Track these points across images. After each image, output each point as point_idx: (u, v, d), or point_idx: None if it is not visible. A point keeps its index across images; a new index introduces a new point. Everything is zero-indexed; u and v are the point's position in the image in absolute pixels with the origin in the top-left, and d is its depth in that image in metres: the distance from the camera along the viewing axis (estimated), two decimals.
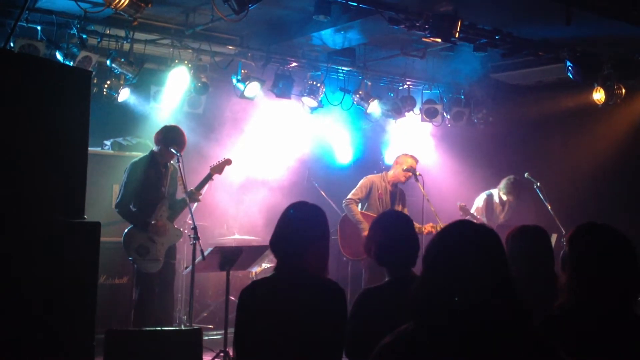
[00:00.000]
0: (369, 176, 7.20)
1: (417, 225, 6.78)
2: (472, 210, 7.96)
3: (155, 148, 6.25)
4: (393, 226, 3.29)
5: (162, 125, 7.39)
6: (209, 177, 6.39)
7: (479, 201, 8.05)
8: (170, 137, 6.15)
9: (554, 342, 1.98)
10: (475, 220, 7.43)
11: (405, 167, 7.07)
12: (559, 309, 2.53)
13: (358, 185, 7.14)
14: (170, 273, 6.31)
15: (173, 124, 6.41)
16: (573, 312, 2.47)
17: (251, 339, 2.96)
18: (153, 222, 6.10)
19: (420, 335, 1.90)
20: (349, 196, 7.09)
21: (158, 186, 6.25)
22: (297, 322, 2.94)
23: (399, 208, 7.12)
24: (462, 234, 2.00)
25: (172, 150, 6.06)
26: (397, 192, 7.21)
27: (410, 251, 3.21)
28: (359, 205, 7.13)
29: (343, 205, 7.14)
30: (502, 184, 7.95)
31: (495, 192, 8.04)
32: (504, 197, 7.94)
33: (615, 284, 2.44)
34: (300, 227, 3.07)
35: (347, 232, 7.11)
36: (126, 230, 6.14)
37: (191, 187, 6.23)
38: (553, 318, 2.49)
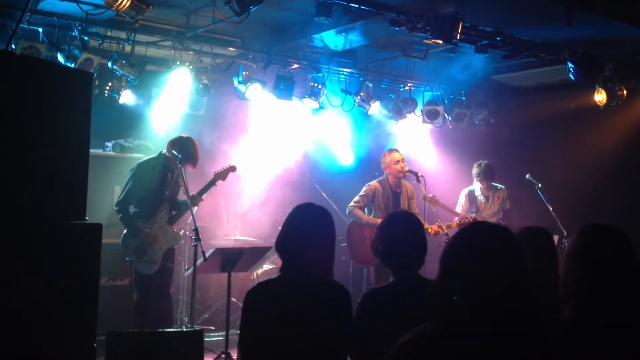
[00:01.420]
0: (371, 183, 7.17)
1: (424, 223, 6.79)
2: (457, 209, 7.95)
3: (167, 153, 6.24)
4: (400, 227, 3.25)
5: (162, 127, 7.44)
6: (212, 183, 6.40)
7: (461, 198, 8.06)
8: (185, 148, 6.13)
9: (566, 345, 1.99)
10: (456, 218, 7.40)
11: (394, 162, 7.08)
12: (571, 312, 2.51)
13: (360, 193, 7.13)
14: (167, 276, 6.31)
15: (190, 136, 6.39)
16: (582, 314, 2.46)
17: (256, 339, 2.97)
18: (146, 230, 6.09)
19: (439, 334, 1.91)
20: (351, 203, 7.10)
21: (162, 189, 6.25)
22: (302, 323, 2.94)
23: (405, 209, 7.10)
24: (478, 234, 2.02)
25: (174, 152, 6.07)
26: (402, 192, 7.18)
27: (416, 253, 3.18)
28: (365, 211, 7.13)
29: (347, 212, 7.14)
30: (472, 172, 7.97)
31: (476, 186, 8.02)
32: (481, 185, 7.93)
33: (622, 285, 2.43)
34: (306, 228, 3.08)
35: (354, 239, 7.11)
36: (125, 232, 6.15)
37: (192, 189, 6.23)
38: (568, 322, 2.48)
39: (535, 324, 1.92)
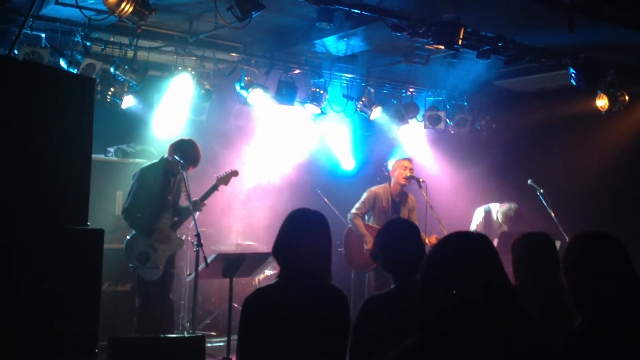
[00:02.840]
0: (372, 189, 7.18)
1: (422, 235, 6.78)
2: (472, 227, 7.94)
3: (169, 157, 6.25)
4: (399, 233, 3.28)
5: (165, 132, 7.44)
6: (214, 188, 6.40)
7: (478, 217, 8.03)
8: (186, 151, 6.16)
9: (559, 353, 1.97)
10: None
11: (402, 167, 7.09)
12: (581, 324, 2.49)
13: (361, 200, 7.13)
14: (169, 281, 6.31)
15: (190, 138, 6.43)
16: (594, 324, 2.44)
17: (255, 346, 2.96)
18: (160, 227, 6.12)
19: (424, 350, 1.89)
20: (353, 210, 7.09)
21: (165, 195, 6.26)
22: (301, 328, 2.94)
23: (404, 217, 7.08)
24: (456, 246, 2.00)
25: (176, 157, 6.08)
26: (403, 201, 7.18)
27: (416, 258, 3.19)
28: (365, 217, 7.13)
29: (348, 219, 7.13)
30: (503, 209, 7.87)
31: (494, 208, 7.99)
32: (500, 221, 7.91)
33: (616, 292, 2.42)
34: (303, 233, 3.08)
35: (352, 244, 7.09)
36: (128, 238, 6.15)
37: (194, 194, 6.23)
38: (576, 334, 2.46)
39: (522, 333, 1.91)
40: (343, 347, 3.05)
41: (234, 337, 5.96)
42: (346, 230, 7.20)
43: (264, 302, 3.00)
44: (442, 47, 6.08)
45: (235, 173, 6.56)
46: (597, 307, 2.43)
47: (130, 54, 6.88)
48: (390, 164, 7.27)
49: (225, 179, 6.48)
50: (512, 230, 7.55)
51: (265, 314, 2.96)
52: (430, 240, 6.86)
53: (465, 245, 2.00)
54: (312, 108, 7.94)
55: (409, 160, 7.27)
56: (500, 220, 7.91)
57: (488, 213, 8.02)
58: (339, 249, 7.28)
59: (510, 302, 1.93)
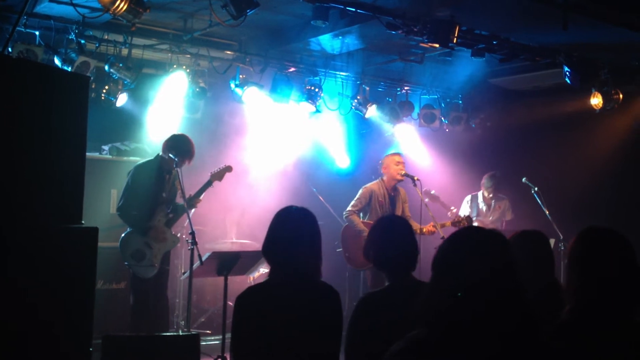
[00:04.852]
0: (367, 186, 7.19)
1: (417, 225, 6.80)
2: (461, 214, 8.07)
3: (163, 154, 6.25)
4: (391, 230, 3.28)
5: (159, 130, 7.43)
6: (208, 184, 6.39)
7: (464, 204, 8.29)
8: (179, 146, 6.15)
9: (560, 351, 1.98)
10: (449, 213, 7.74)
11: (394, 163, 7.12)
12: (569, 314, 2.51)
13: (357, 197, 7.14)
14: (164, 279, 6.31)
15: (182, 133, 6.43)
16: (584, 316, 2.45)
17: (248, 344, 2.96)
18: (155, 225, 6.11)
19: (432, 342, 1.90)
20: (349, 208, 7.09)
21: (159, 192, 6.25)
22: (293, 326, 2.94)
23: (399, 212, 7.11)
24: (469, 240, 2.01)
25: (171, 155, 6.08)
26: (397, 196, 7.21)
27: (409, 255, 3.21)
28: (360, 214, 7.14)
29: (344, 217, 7.13)
30: (484, 180, 8.25)
31: (479, 193, 8.30)
32: (487, 195, 8.22)
33: (624, 286, 2.43)
34: (291, 231, 3.09)
35: (349, 243, 7.09)
36: (122, 235, 6.14)
37: (189, 191, 6.22)
38: (565, 323, 2.47)
39: (529, 331, 1.92)
40: (336, 343, 3.06)
41: (229, 335, 5.96)
42: (343, 229, 7.20)
43: (255, 300, 3.00)
44: (437, 46, 6.10)
45: (229, 168, 6.55)
46: (593, 297, 2.44)
47: (124, 51, 6.86)
48: (382, 161, 7.28)
49: (219, 175, 6.47)
50: (507, 229, 7.58)
51: (258, 312, 2.96)
52: (427, 228, 6.90)
53: (476, 242, 2.00)
54: (307, 106, 7.93)
55: (399, 154, 7.31)
56: (487, 194, 8.21)
57: (474, 198, 8.33)
58: (338, 249, 7.28)
59: (517, 302, 1.93)
